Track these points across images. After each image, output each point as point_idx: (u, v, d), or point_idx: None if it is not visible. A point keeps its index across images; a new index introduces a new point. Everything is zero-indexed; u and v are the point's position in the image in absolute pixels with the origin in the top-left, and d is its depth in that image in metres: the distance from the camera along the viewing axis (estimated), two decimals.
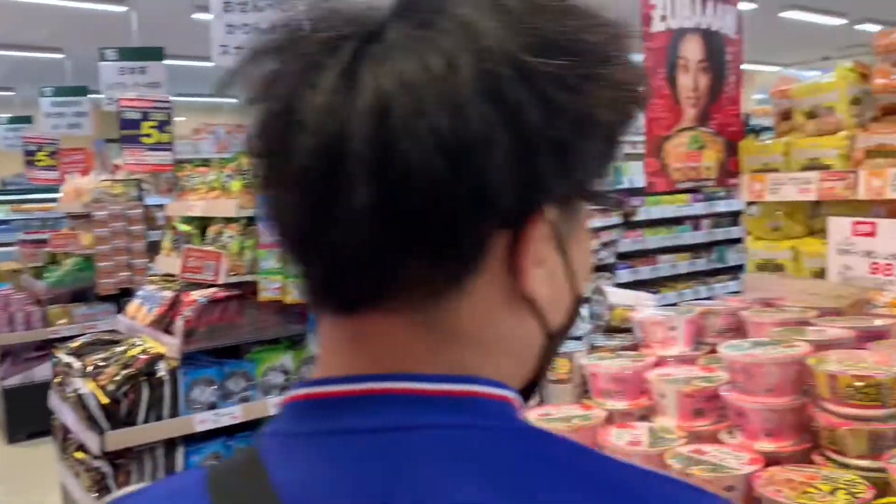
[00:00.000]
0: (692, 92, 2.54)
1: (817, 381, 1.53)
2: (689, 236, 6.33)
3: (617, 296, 2.30)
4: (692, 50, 2.52)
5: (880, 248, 1.96)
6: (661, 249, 6.14)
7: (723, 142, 2.61)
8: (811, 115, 2.45)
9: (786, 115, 2.62)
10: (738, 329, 2.11)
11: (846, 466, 1.48)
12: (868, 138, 2.29)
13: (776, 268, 2.56)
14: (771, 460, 1.55)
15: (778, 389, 1.61)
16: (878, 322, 1.87)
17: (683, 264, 6.28)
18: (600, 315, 2.31)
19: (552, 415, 1.87)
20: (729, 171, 2.64)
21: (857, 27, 12.57)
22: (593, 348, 2.13)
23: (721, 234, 6.50)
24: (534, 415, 1.87)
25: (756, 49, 13.93)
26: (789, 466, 1.48)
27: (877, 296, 2.14)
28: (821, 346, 1.69)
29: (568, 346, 2.11)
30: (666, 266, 6.18)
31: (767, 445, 1.62)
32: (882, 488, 1.37)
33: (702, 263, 6.42)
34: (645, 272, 6.00)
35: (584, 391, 2.08)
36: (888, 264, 1.95)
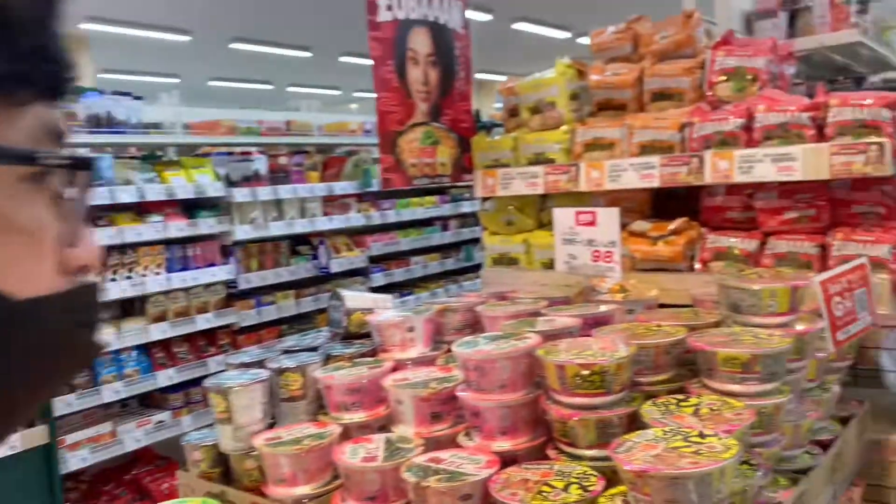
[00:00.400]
0: (423, 86, 2.47)
1: (547, 373, 1.50)
2: (438, 237, 6.45)
3: (355, 300, 2.15)
4: (421, 42, 2.45)
5: (600, 237, 2.02)
6: (413, 251, 6.19)
7: (456, 138, 2.58)
8: (535, 110, 2.50)
9: (513, 112, 2.66)
10: (475, 325, 2.06)
11: (578, 458, 1.45)
12: (586, 132, 2.38)
13: (511, 261, 2.58)
14: (508, 459, 1.48)
15: (511, 384, 1.55)
16: (602, 308, 1.91)
17: (434, 264, 6.39)
18: (338, 322, 2.15)
19: (282, 438, 1.67)
20: (463, 167, 2.62)
21: (579, 40, 13.88)
22: (329, 358, 1.96)
23: (468, 233, 6.72)
24: (261, 440, 1.66)
25: (493, 59, 14.83)
26: (525, 465, 1.42)
27: (600, 283, 2.21)
28: (550, 336, 1.67)
29: (300, 358, 1.92)
30: (418, 267, 6.23)
31: (504, 444, 1.55)
32: (612, 477, 1.35)
33: (451, 263, 6.59)
34: (399, 274, 6.00)
35: (319, 406, 1.90)
36: (608, 252, 2.01)
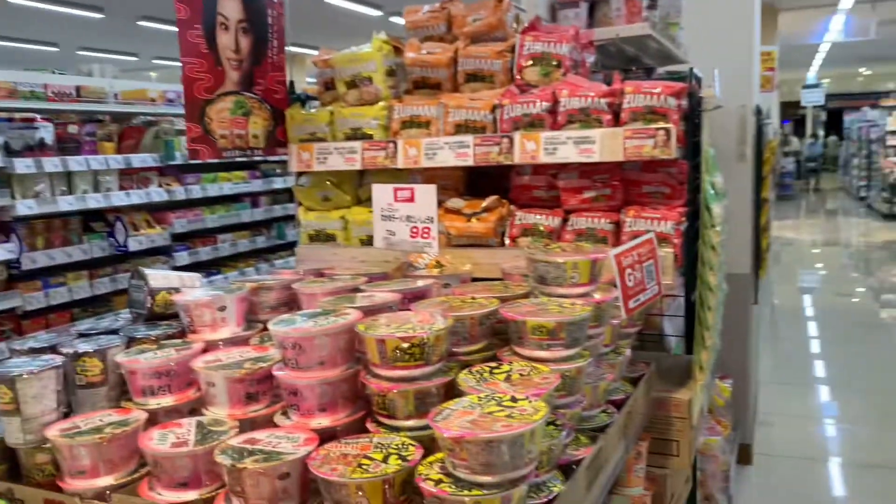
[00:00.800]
0: (234, 53, 2.36)
1: (368, 348, 1.50)
2: (248, 214, 6.22)
3: (159, 279, 2.02)
4: (231, 8, 2.33)
5: (418, 213, 2.05)
6: (220, 228, 5.91)
7: (269, 109, 2.49)
8: (352, 84, 2.47)
9: (329, 85, 2.62)
10: (291, 303, 2.02)
11: (397, 430, 1.47)
12: (403, 109, 2.39)
13: (328, 237, 2.55)
14: (327, 436, 1.47)
15: (330, 361, 1.54)
16: (419, 283, 1.95)
17: (244, 242, 6.16)
18: (140, 302, 2.01)
19: (80, 427, 1.53)
20: (277, 140, 2.54)
21: (392, 19, 13.93)
22: (132, 341, 1.82)
23: (280, 210, 6.54)
24: (55, 431, 1.51)
25: (305, 32, 14.49)
26: (344, 440, 1.42)
27: (417, 258, 2.25)
28: (370, 311, 1.67)
29: (99, 341, 1.77)
30: (226, 245, 5.97)
31: (323, 421, 1.54)
32: (430, 446, 1.39)
33: (262, 240, 6.38)
34: (205, 252, 5.72)
35: (123, 392, 1.77)
36: (426, 227, 2.05)
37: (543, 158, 2.19)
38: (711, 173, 2.30)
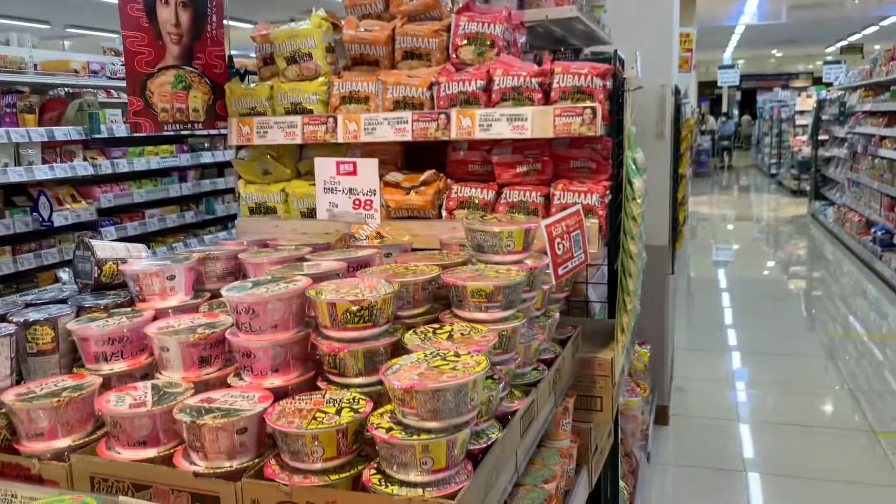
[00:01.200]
0: (174, 28, 2.38)
1: (318, 311, 1.60)
2: (176, 188, 6.13)
3: (105, 250, 2.05)
4: None
5: (360, 185, 2.14)
6: (148, 203, 5.82)
7: (209, 83, 2.52)
8: (292, 60, 2.52)
9: (268, 60, 2.66)
10: (237, 272, 2.09)
11: (347, 387, 1.58)
12: (342, 85, 2.47)
13: (268, 210, 2.61)
14: (280, 395, 1.57)
15: (282, 324, 1.63)
16: (362, 253, 2.05)
17: (172, 217, 6.08)
18: (87, 273, 2.04)
19: (35, 392, 1.58)
20: (217, 113, 2.57)
21: None
22: (81, 310, 1.86)
23: (208, 185, 6.47)
24: (10, 395, 1.55)
25: (241, 6, 14.11)
26: (298, 397, 1.52)
27: (359, 230, 2.34)
28: (318, 278, 1.77)
29: (49, 310, 1.81)
30: (154, 220, 5.89)
31: (276, 381, 1.63)
32: (378, 400, 1.50)
33: (191, 216, 6.31)
34: (132, 228, 5.62)
35: (74, 360, 1.81)
36: (368, 199, 2.14)
37: (479, 134, 2.31)
38: (633, 150, 2.47)
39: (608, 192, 2.33)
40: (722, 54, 25.84)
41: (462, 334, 1.60)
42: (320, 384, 1.63)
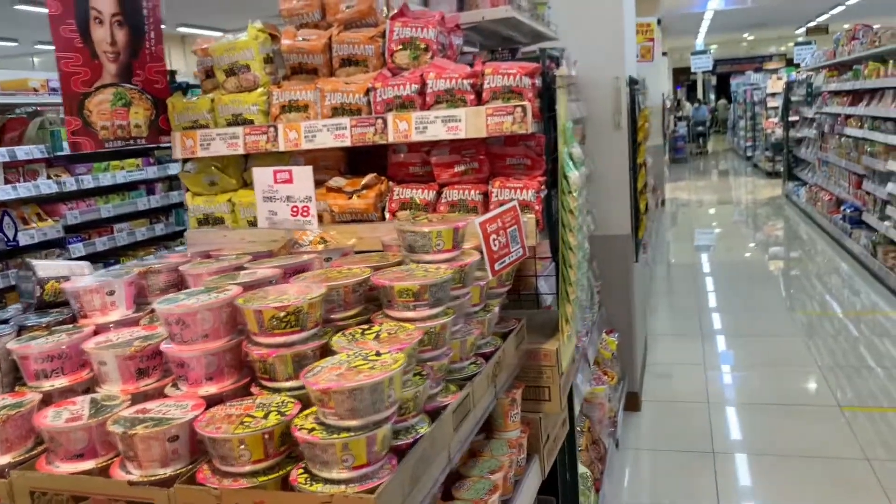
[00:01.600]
0: (110, 46, 2.41)
1: (247, 319, 1.64)
2: (144, 201, 6.14)
3: (47, 269, 2.09)
4: (104, 3, 2.38)
5: (297, 193, 2.18)
6: (116, 218, 5.83)
7: (150, 99, 2.56)
8: (230, 72, 2.56)
9: (209, 73, 2.70)
10: (181, 284, 2.13)
11: (278, 391, 1.63)
12: (281, 94, 2.51)
13: (217, 221, 2.65)
14: (215, 402, 1.61)
15: (213, 334, 1.67)
16: (303, 258, 2.09)
17: (141, 230, 6.09)
18: (30, 293, 2.07)
19: None
20: (160, 128, 2.61)
21: None
22: (24, 329, 1.90)
23: (177, 196, 6.48)
24: None
25: (196, 14, 14.09)
26: (230, 403, 1.56)
27: (303, 236, 2.39)
28: (252, 286, 1.81)
29: None
30: (123, 234, 5.90)
31: (211, 388, 1.68)
32: (307, 402, 1.55)
33: (160, 228, 6.33)
34: (101, 243, 5.63)
35: (16, 378, 1.85)
36: (305, 206, 2.19)
37: (415, 137, 2.36)
38: (569, 144, 2.52)
39: (544, 186, 2.39)
40: (694, 40, 26.03)
41: (389, 334, 1.65)
42: (253, 390, 1.67)
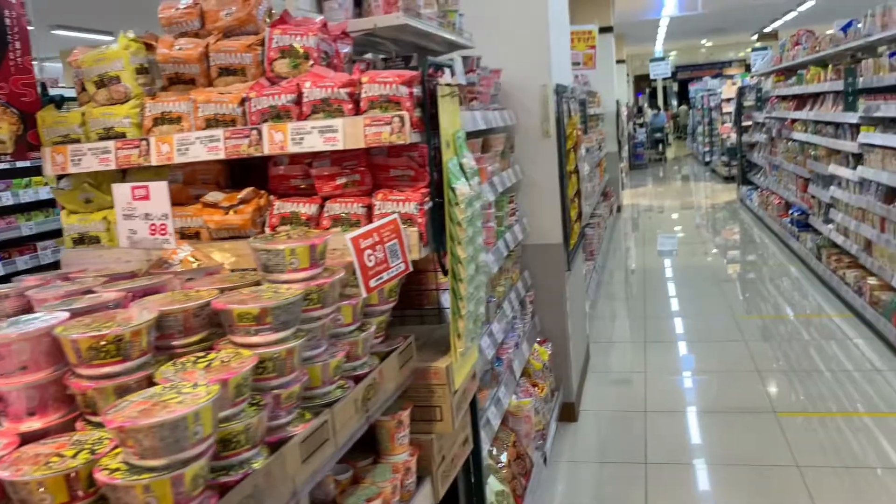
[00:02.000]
0: None
1: (66, 349, 1.52)
2: None
3: None
4: None
5: (154, 210, 2.07)
6: (39, 236, 5.64)
7: (17, 113, 2.42)
8: (100, 83, 2.44)
9: (83, 85, 2.57)
10: (29, 309, 2.00)
11: (101, 426, 1.51)
12: (154, 106, 2.39)
13: (92, 240, 2.52)
14: (38, 438, 1.49)
15: (33, 365, 1.55)
16: (159, 280, 1.97)
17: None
18: None
19: None
20: (29, 143, 2.47)
21: None
22: None
23: None
24: None
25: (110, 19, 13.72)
26: (43, 441, 1.44)
27: (173, 255, 2.27)
28: (87, 311, 1.68)
29: None
30: (48, 252, 5.71)
31: (35, 423, 1.55)
32: None
33: None
34: (23, 262, 5.44)
35: None
36: (162, 224, 2.07)
37: (291, 148, 2.26)
38: (459, 154, 2.44)
39: (427, 198, 2.30)
40: (654, 47, 26.28)
41: (223, 362, 1.54)
42: (78, 424, 1.55)
